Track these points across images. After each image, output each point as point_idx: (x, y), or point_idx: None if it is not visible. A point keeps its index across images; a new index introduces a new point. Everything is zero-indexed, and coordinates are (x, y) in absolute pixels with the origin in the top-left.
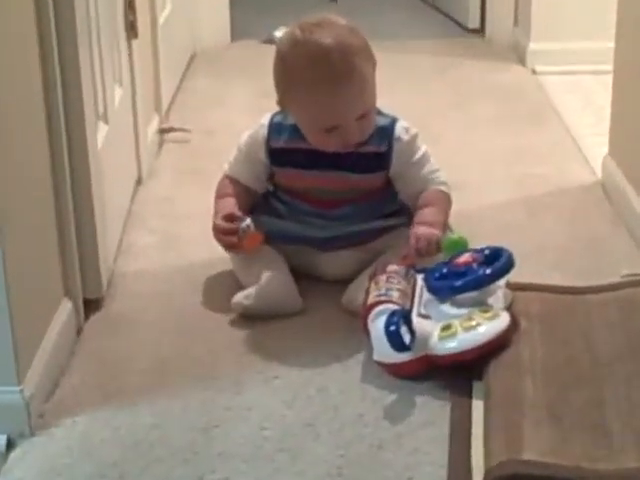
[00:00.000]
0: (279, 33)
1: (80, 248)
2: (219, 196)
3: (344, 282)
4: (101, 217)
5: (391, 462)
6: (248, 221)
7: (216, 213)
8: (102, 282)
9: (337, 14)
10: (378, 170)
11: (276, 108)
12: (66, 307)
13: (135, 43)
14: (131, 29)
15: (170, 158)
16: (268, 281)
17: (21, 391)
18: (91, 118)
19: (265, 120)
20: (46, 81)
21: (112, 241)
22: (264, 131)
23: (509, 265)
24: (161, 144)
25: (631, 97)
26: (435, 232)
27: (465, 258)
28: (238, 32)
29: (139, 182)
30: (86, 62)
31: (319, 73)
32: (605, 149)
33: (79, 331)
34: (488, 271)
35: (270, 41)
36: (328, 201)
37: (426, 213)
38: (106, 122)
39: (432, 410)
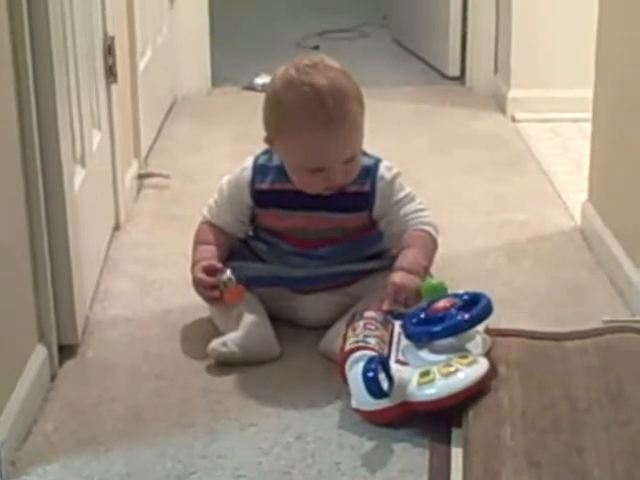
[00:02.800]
0: (260, 80)
1: (55, 293)
2: (198, 242)
3: (322, 328)
4: (77, 262)
5: None
6: (229, 273)
7: (195, 262)
8: (77, 328)
9: None
10: (361, 210)
11: (253, 151)
12: (40, 353)
13: (114, 88)
14: (110, 74)
15: (148, 203)
16: (246, 328)
17: None
18: (68, 161)
19: (249, 163)
20: (22, 122)
21: (88, 286)
22: (248, 173)
23: (488, 311)
24: (139, 189)
25: (610, 143)
26: (415, 280)
27: (443, 303)
28: (219, 78)
29: (117, 227)
30: (64, 105)
31: (312, 115)
32: (584, 195)
33: (53, 377)
34: (467, 316)
35: (251, 88)
36: (311, 241)
37: (407, 256)
38: (83, 166)
39: (410, 458)
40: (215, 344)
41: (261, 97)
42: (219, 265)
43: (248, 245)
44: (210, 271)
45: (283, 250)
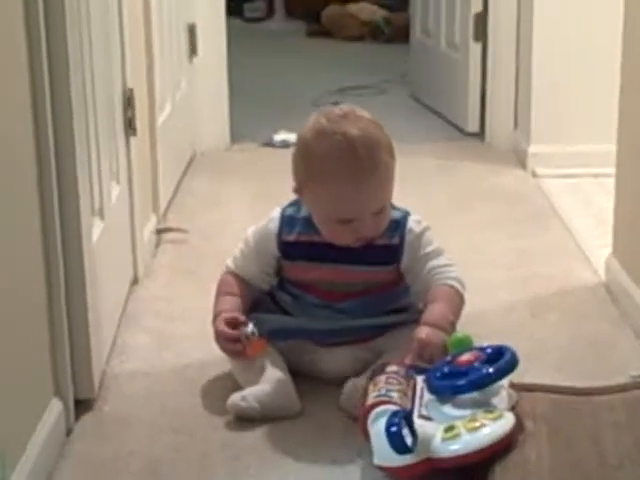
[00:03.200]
0: (279, 137)
1: (72, 346)
2: (221, 293)
3: (343, 382)
4: (94, 315)
5: None
6: (251, 327)
7: (218, 314)
8: (94, 382)
9: None
10: (389, 263)
11: (271, 210)
12: (56, 407)
13: (133, 141)
14: (130, 126)
15: (167, 258)
16: (268, 384)
17: None
18: (86, 212)
19: (276, 213)
20: (41, 173)
21: (105, 340)
22: (275, 224)
23: (513, 364)
24: (158, 244)
25: (634, 196)
26: (441, 335)
27: (467, 357)
28: (238, 135)
29: (135, 281)
30: (83, 156)
31: (344, 165)
32: (607, 250)
33: (69, 432)
34: (491, 370)
35: (270, 144)
36: (337, 294)
37: (433, 311)
38: (102, 218)
39: None
40: (234, 399)
41: (280, 153)
42: (242, 318)
43: (272, 297)
44: (233, 324)
45: (308, 302)
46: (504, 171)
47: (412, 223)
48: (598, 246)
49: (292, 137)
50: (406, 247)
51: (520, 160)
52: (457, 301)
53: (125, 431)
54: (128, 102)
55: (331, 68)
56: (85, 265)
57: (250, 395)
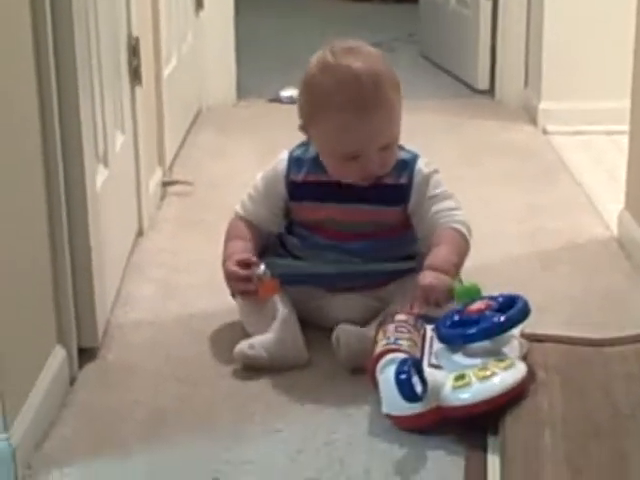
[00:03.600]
0: (286, 93)
1: (75, 293)
2: (230, 237)
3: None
4: (98, 262)
5: None
6: (263, 267)
7: (229, 256)
8: (98, 330)
9: None
10: (397, 203)
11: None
12: (59, 354)
13: (139, 92)
14: (135, 75)
15: (172, 210)
16: (277, 332)
17: (8, 439)
18: (90, 157)
19: (284, 155)
20: (44, 115)
21: (110, 289)
22: (283, 166)
23: (525, 312)
24: (163, 197)
25: None
26: (445, 279)
27: (478, 305)
28: (244, 91)
29: (140, 233)
30: (86, 100)
31: (348, 97)
32: (619, 207)
33: (72, 380)
34: (502, 318)
35: (276, 100)
36: (345, 234)
37: (437, 254)
38: (106, 165)
39: (445, 465)
40: (242, 347)
41: (287, 109)
42: (254, 259)
43: (281, 241)
44: (244, 265)
45: (317, 244)
46: (514, 128)
47: (421, 164)
48: (610, 201)
49: None
50: (414, 187)
51: (531, 117)
52: (462, 244)
53: (129, 380)
54: (133, 51)
55: (339, 27)
56: (89, 211)
57: (258, 343)
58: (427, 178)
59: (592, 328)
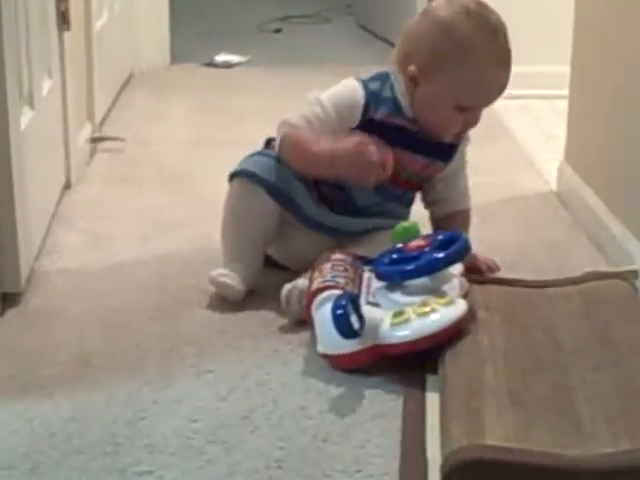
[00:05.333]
0: (221, 57)
1: None
2: (304, 140)
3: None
4: (21, 205)
5: (338, 455)
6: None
7: (342, 144)
8: (21, 276)
9: (280, 44)
10: (445, 160)
11: (214, 120)
12: None
13: (67, 37)
14: (62, 20)
15: (102, 166)
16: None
17: None
18: (14, 96)
19: (356, 84)
20: None
21: (34, 236)
22: (361, 96)
23: (465, 249)
24: (93, 154)
25: (588, 102)
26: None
27: (417, 242)
28: (178, 56)
29: (68, 186)
30: (10, 37)
31: (496, 48)
32: (556, 164)
33: None
34: (441, 255)
35: (211, 64)
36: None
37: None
38: (31, 107)
39: (383, 403)
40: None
41: (222, 72)
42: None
43: None
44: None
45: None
46: None
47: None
48: (549, 160)
49: (235, 58)
50: (459, 149)
51: None
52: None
53: (53, 324)
54: None
55: None
56: (12, 151)
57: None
58: (466, 144)
59: (533, 274)
